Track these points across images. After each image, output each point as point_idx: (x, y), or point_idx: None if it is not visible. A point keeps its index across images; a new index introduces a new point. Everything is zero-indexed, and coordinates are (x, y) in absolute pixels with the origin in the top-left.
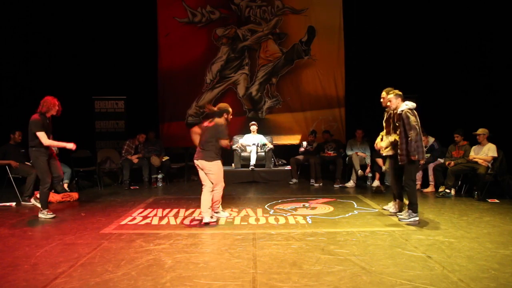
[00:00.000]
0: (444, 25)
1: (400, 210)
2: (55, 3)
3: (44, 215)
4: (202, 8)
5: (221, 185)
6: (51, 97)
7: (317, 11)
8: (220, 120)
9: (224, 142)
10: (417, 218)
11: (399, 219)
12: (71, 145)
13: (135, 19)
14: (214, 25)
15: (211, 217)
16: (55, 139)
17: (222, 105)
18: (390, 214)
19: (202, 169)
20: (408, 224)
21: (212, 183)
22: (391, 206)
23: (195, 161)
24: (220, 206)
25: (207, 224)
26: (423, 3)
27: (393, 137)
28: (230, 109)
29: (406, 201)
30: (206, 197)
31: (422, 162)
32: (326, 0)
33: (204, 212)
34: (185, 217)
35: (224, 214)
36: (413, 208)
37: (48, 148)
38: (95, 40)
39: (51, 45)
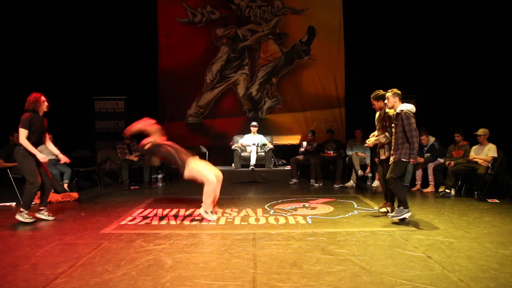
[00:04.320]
0: (444, 25)
1: (392, 211)
2: (55, 3)
3: (22, 217)
4: (202, 8)
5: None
6: (36, 93)
7: (317, 11)
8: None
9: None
10: (409, 213)
11: (391, 217)
12: (43, 158)
13: (135, 19)
14: (214, 25)
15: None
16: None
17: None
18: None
19: None
20: (401, 220)
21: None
22: (381, 206)
23: None
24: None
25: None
26: (423, 3)
27: (382, 136)
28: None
29: (396, 204)
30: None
31: (420, 160)
32: (326, 0)
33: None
34: (185, 217)
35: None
36: (403, 205)
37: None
38: (95, 40)
39: (51, 45)
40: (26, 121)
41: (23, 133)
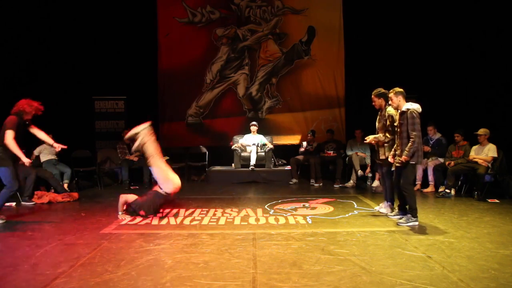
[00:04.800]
0: (444, 24)
1: (391, 211)
2: (54, 2)
3: None
4: (202, 8)
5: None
6: (25, 100)
7: (317, 11)
8: None
9: None
10: (416, 223)
11: (397, 223)
12: (27, 161)
13: (135, 19)
14: (214, 25)
15: None
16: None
17: None
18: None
19: None
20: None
21: None
22: (381, 207)
23: None
24: None
25: None
26: (423, 3)
27: (382, 135)
28: None
29: (396, 204)
30: None
31: (427, 149)
32: (326, 0)
33: None
34: (185, 217)
35: None
36: (412, 212)
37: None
38: (95, 40)
39: (51, 45)
40: (14, 123)
41: (10, 134)
